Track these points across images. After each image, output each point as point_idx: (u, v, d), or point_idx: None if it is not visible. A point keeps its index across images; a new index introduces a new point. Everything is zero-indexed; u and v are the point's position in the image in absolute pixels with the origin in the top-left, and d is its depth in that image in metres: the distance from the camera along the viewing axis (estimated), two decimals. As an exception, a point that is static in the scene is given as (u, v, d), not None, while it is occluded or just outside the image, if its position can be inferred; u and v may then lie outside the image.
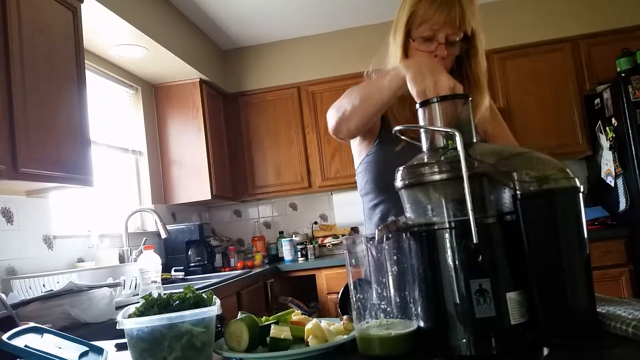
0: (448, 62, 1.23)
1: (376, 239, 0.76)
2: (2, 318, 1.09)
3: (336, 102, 1.26)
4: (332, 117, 1.25)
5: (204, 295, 0.82)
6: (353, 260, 0.77)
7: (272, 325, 0.83)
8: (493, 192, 0.71)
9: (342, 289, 0.98)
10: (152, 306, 0.79)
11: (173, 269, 3.40)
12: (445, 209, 0.71)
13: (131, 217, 3.14)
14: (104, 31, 2.93)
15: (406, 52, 1.25)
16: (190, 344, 0.75)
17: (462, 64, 1.29)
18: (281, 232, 4.41)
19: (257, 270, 3.57)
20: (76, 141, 2.24)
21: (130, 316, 0.79)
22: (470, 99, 0.80)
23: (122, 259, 2.96)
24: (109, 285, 1.85)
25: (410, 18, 1.22)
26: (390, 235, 0.76)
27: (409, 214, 0.77)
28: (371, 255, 0.76)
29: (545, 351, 0.67)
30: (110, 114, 3.42)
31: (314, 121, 4.15)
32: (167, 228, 3.16)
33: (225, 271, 3.67)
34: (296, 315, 0.91)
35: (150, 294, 0.82)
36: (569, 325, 0.69)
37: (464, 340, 0.68)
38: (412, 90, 0.98)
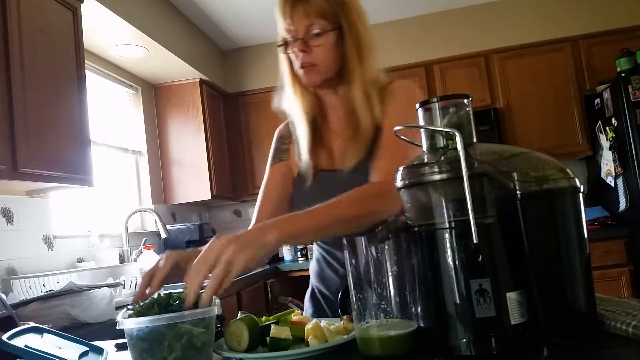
0: (318, 55, 1.14)
1: (376, 239, 0.76)
2: (2, 318, 1.09)
3: None
4: None
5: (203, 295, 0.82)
6: (353, 260, 0.77)
7: (272, 325, 0.83)
8: (493, 192, 0.71)
9: (342, 289, 0.98)
10: (152, 306, 0.79)
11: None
12: (445, 209, 0.71)
13: (131, 217, 3.14)
14: (104, 31, 2.93)
15: (290, 60, 1.20)
16: (190, 344, 0.75)
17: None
18: (281, 232, 4.40)
19: (257, 270, 3.57)
20: (76, 141, 2.24)
21: (130, 316, 0.79)
22: (470, 98, 0.79)
23: (122, 259, 2.96)
24: (109, 285, 1.85)
25: (279, 30, 1.18)
26: (390, 235, 0.76)
27: (409, 214, 0.77)
28: (371, 255, 0.76)
29: (545, 351, 0.67)
30: (110, 114, 3.42)
31: (314, 121, 4.15)
32: (167, 228, 3.16)
33: (225, 271, 3.66)
34: (296, 315, 0.91)
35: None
36: (569, 325, 0.69)
37: (464, 340, 0.68)
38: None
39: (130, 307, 0.82)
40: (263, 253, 0.85)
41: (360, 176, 1.10)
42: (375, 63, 1.21)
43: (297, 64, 1.17)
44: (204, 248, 0.84)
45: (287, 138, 1.32)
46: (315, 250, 1.33)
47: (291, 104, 1.25)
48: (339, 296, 0.94)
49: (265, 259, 0.88)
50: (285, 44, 1.17)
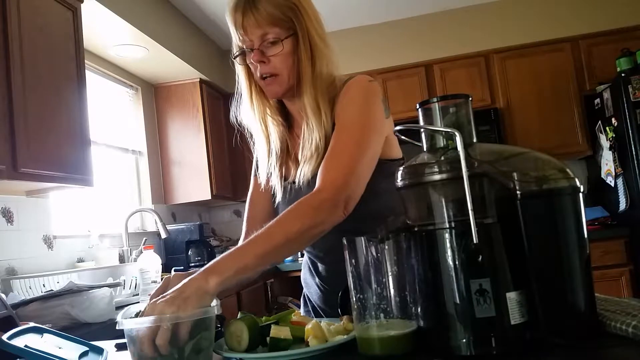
0: (277, 64, 1.09)
1: (376, 239, 0.76)
2: (2, 318, 1.09)
3: None
4: None
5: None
6: (353, 260, 0.77)
7: (272, 325, 0.83)
8: (493, 192, 0.71)
9: (342, 289, 0.98)
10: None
11: (173, 269, 3.40)
12: (445, 209, 0.71)
13: (131, 217, 3.14)
14: (104, 31, 2.93)
15: (249, 71, 1.16)
16: (189, 344, 0.75)
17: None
18: (281, 232, 4.40)
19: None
20: (76, 141, 2.24)
21: (135, 316, 0.79)
22: (470, 98, 0.80)
23: (122, 259, 2.96)
24: (109, 285, 1.85)
25: (234, 38, 1.13)
26: (390, 235, 0.76)
27: (409, 214, 0.77)
28: (371, 255, 0.76)
29: (545, 351, 0.67)
30: (110, 114, 3.42)
31: (314, 121, 4.14)
32: (167, 228, 3.16)
33: (225, 271, 3.66)
34: (296, 315, 0.91)
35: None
36: (569, 325, 0.69)
37: (464, 340, 0.68)
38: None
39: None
40: (209, 300, 0.82)
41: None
42: (330, 65, 1.14)
43: (256, 75, 1.12)
44: (151, 302, 0.80)
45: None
46: (305, 254, 1.32)
47: (249, 117, 1.21)
48: (339, 296, 0.94)
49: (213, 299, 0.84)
50: (243, 53, 1.12)
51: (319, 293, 1.24)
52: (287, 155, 1.21)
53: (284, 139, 1.20)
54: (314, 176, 1.08)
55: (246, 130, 1.25)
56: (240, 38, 1.10)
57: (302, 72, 1.10)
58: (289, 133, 1.22)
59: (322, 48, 1.12)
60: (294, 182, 1.16)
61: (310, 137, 1.11)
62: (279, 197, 1.20)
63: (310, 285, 1.28)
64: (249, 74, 1.16)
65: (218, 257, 0.90)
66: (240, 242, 1.08)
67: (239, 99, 1.23)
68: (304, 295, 1.34)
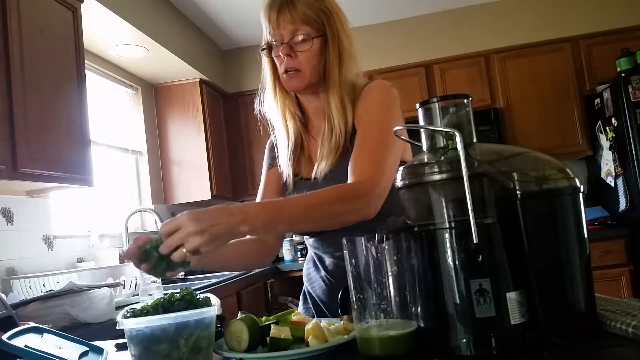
0: (302, 61, 1.15)
1: (376, 239, 0.76)
2: (2, 318, 1.09)
3: None
4: None
5: (198, 298, 0.82)
6: (353, 260, 0.77)
7: (272, 325, 0.83)
8: (493, 192, 0.71)
9: (342, 289, 0.98)
10: (156, 308, 0.79)
11: (173, 269, 3.39)
12: (445, 209, 0.71)
13: (131, 217, 3.14)
14: (104, 31, 2.93)
15: (274, 65, 1.23)
16: (189, 344, 0.75)
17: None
18: (281, 232, 4.40)
19: (257, 270, 3.57)
20: (76, 141, 2.24)
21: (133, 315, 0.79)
22: (470, 98, 0.80)
23: (122, 259, 2.96)
24: (109, 285, 1.85)
25: (264, 35, 1.21)
26: (390, 235, 0.76)
27: (409, 214, 0.77)
28: (371, 255, 0.76)
29: (545, 351, 0.67)
30: (110, 114, 3.42)
31: (314, 121, 4.14)
32: (167, 228, 3.16)
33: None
34: (296, 315, 0.91)
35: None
36: (569, 325, 0.69)
37: (464, 340, 0.68)
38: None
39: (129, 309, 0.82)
40: (229, 241, 0.88)
41: (332, 184, 1.08)
42: (355, 69, 1.21)
43: (281, 69, 1.18)
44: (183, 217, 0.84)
45: (272, 148, 1.34)
46: (309, 251, 1.34)
47: (272, 109, 1.26)
48: (339, 296, 0.94)
49: None
50: (269, 47, 1.19)
51: (323, 287, 1.25)
52: (301, 153, 1.25)
53: (299, 134, 1.25)
54: (331, 171, 1.15)
55: (268, 122, 1.30)
56: (272, 32, 1.17)
57: (330, 72, 1.16)
58: (305, 131, 1.27)
59: (350, 53, 1.19)
60: (304, 179, 1.23)
61: (331, 134, 1.17)
62: (288, 192, 1.25)
63: (314, 280, 1.29)
64: (274, 68, 1.22)
65: (254, 204, 0.96)
66: None
67: (263, 92, 1.28)
68: (304, 291, 1.35)
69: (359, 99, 1.18)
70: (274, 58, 1.19)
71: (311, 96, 1.23)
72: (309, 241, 1.29)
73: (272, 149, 1.35)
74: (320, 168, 1.17)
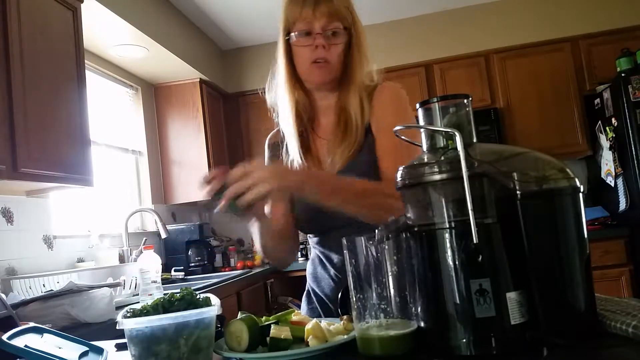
0: (333, 53, 1.18)
1: (376, 239, 0.76)
2: (2, 318, 1.09)
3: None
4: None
5: (198, 298, 0.82)
6: (353, 260, 0.77)
7: (272, 325, 0.83)
8: (493, 192, 0.71)
9: (342, 289, 0.98)
10: (156, 308, 0.79)
11: (173, 269, 3.40)
12: (445, 209, 0.71)
13: (131, 217, 3.14)
14: (104, 31, 2.93)
15: (290, 57, 1.23)
16: (189, 344, 0.75)
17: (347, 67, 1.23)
18: (281, 232, 4.40)
19: (257, 270, 3.57)
20: (76, 141, 2.24)
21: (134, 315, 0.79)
22: (470, 98, 0.80)
23: (122, 259, 2.96)
24: (109, 285, 1.85)
25: (285, 23, 1.21)
26: (390, 235, 0.76)
27: (409, 214, 0.77)
28: (371, 255, 0.76)
29: (545, 351, 0.67)
30: (110, 114, 3.42)
31: (314, 121, 4.15)
32: (167, 228, 3.16)
33: (225, 271, 3.67)
34: (296, 315, 0.91)
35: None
36: (569, 325, 0.69)
37: (464, 340, 0.68)
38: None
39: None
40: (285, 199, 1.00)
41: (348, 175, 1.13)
42: (367, 69, 1.25)
43: (309, 57, 1.19)
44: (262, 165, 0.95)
45: (277, 146, 1.33)
46: (312, 251, 1.34)
47: (283, 101, 1.26)
48: (339, 296, 0.94)
49: None
50: (303, 35, 1.18)
51: (332, 285, 1.26)
52: (309, 150, 1.26)
53: (306, 132, 1.27)
54: (346, 163, 1.19)
55: (274, 117, 1.32)
56: (306, 21, 1.18)
57: (354, 70, 1.21)
58: (311, 128, 1.28)
59: (367, 54, 1.24)
60: None
61: (346, 129, 1.20)
62: None
63: (321, 279, 1.29)
64: (290, 59, 1.23)
65: (315, 175, 1.10)
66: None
67: (271, 81, 1.29)
68: (308, 292, 1.35)
69: (373, 98, 1.22)
70: (301, 47, 1.20)
71: (327, 92, 1.25)
72: (313, 240, 1.30)
73: (274, 146, 1.34)
74: (333, 163, 1.20)
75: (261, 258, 1.28)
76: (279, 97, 1.27)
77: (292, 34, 1.19)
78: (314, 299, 1.32)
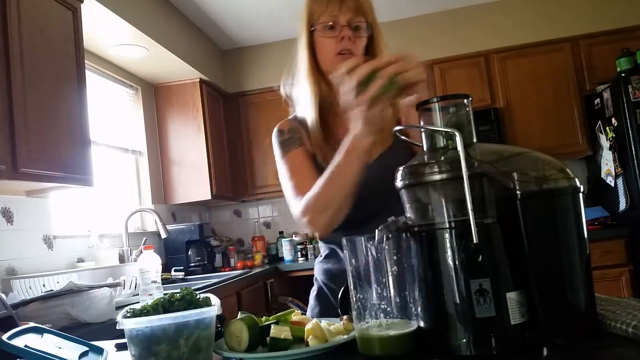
0: (359, 46, 1.22)
1: (376, 239, 0.76)
2: (2, 318, 1.09)
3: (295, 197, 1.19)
4: (301, 211, 1.15)
5: (198, 298, 0.82)
6: (353, 260, 0.77)
7: (272, 325, 0.83)
8: (493, 192, 0.71)
9: (342, 289, 0.98)
10: (156, 308, 0.79)
11: (173, 269, 3.40)
12: (445, 209, 0.71)
13: (131, 217, 3.14)
14: (104, 31, 2.93)
15: (313, 49, 1.25)
16: (189, 344, 0.75)
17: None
18: (281, 232, 4.41)
19: (257, 270, 3.57)
20: (76, 141, 2.24)
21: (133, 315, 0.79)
22: (470, 98, 0.80)
23: (122, 259, 2.96)
24: (109, 285, 1.85)
25: (309, 17, 1.24)
26: (390, 235, 0.76)
27: (409, 214, 0.77)
28: (371, 255, 0.76)
29: (545, 351, 0.67)
30: (110, 114, 3.42)
31: (314, 121, 4.14)
32: (167, 228, 3.16)
33: (225, 271, 3.67)
34: (296, 315, 0.91)
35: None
36: (569, 325, 0.69)
37: (464, 340, 0.68)
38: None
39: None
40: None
41: (385, 166, 1.07)
42: None
43: (335, 49, 1.21)
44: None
45: (297, 128, 1.29)
46: (324, 247, 1.32)
47: (305, 93, 1.27)
48: (339, 296, 0.94)
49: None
50: (328, 27, 1.21)
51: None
52: (327, 144, 1.24)
53: (328, 121, 1.27)
54: (383, 153, 1.21)
55: (292, 106, 1.34)
56: (330, 14, 1.20)
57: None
58: (332, 117, 1.28)
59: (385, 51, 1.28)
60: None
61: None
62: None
63: (337, 275, 1.26)
64: (313, 52, 1.25)
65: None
66: (298, 200, 1.16)
67: (288, 75, 1.31)
68: (319, 291, 1.32)
69: None
70: (326, 39, 1.22)
71: None
72: (333, 234, 1.23)
73: (292, 132, 1.30)
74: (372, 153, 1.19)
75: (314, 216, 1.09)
76: (301, 89, 1.28)
77: (317, 26, 1.22)
78: (329, 295, 1.29)
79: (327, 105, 1.25)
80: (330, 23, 1.20)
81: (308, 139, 1.26)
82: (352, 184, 1.04)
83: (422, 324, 0.73)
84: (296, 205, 1.18)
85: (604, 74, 3.69)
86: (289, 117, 1.34)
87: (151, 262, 1.84)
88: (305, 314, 0.93)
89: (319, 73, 1.25)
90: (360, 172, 1.03)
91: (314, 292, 1.36)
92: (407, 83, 0.91)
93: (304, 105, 1.27)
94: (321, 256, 1.37)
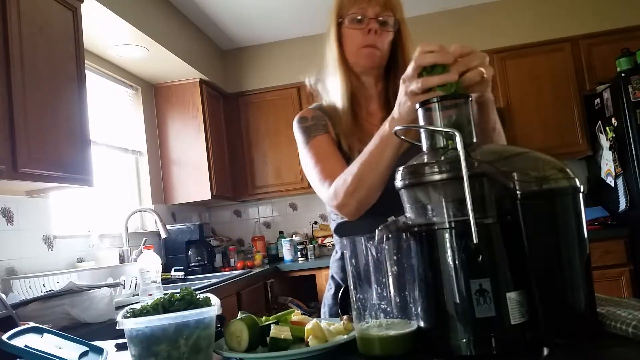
0: (384, 40, 1.24)
1: (376, 239, 0.76)
2: (2, 318, 1.09)
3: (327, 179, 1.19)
4: (331, 195, 1.15)
5: (198, 298, 0.82)
6: (353, 260, 0.77)
7: (272, 325, 0.83)
8: (493, 192, 0.71)
9: (342, 289, 0.98)
10: (156, 308, 0.79)
11: (173, 269, 3.40)
12: (445, 209, 0.71)
13: (131, 217, 3.14)
14: (104, 31, 2.93)
15: (340, 41, 1.28)
16: (189, 344, 0.75)
17: (393, 57, 1.30)
18: (281, 232, 4.41)
19: (257, 270, 3.57)
20: (76, 141, 2.24)
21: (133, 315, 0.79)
22: (471, 99, 0.80)
23: (122, 259, 2.96)
24: (109, 285, 1.85)
25: (339, 10, 1.27)
26: (390, 235, 0.76)
27: (409, 214, 0.77)
28: (371, 255, 0.76)
29: (545, 351, 0.67)
30: (110, 114, 3.42)
31: (314, 121, 4.14)
32: (167, 228, 3.16)
33: (225, 271, 3.67)
34: (296, 315, 0.91)
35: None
36: (569, 325, 0.69)
37: (464, 340, 0.68)
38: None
39: None
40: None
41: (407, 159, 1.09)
42: None
43: (360, 41, 1.24)
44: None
45: (321, 116, 1.31)
46: (339, 244, 1.31)
47: (334, 84, 1.30)
48: (339, 296, 0.94)
49: None
50: (355, 20, 1.23)
51: None
52: (354, 135, 1.26)
53: (355, 112, 1.30)
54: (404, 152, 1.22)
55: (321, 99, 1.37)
56: (359, 7, 1.23)
57: (405, 58, 1.27)
58: (360, 108, 1.31)
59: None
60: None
61: None
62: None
63: None
64: (341, 46, 1.28)
65: None
66: (327, 185, 1.17)
67: (318, 65, 1.35)
68: (337, 289, 1.31)
69: None
70: (352, 31, 1.25)
71: (374, 79, 1.30)
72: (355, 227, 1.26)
73: (315, 119, 1.31)
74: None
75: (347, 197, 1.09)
76: (331, 79, 1.31)
77: (345, 18, 1.25)
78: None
79: (353, 96, 1.29)
80: (359, 16, 1.23)
81: (333, 127, 1.29)
82: (384, 170, 1.03)
83: (422, 324, 0.73)
84: (325, 189, 1.18)
85: (604, 74, 3.69)
86: (311, 106, 1.37)
87: (151, 262, 1.84)
88: (305, 314, 0.93)
89: (346, 64, 1.28)
90: (393, 160, 1.01)
91: (330, 290, 1.34)
92: (470, 83, 0.88)
93: (334, 94, 1.31)
94: (337, 252, 1.36)
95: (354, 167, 1.08)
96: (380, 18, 1.23)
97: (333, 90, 1.31)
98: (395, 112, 0.96)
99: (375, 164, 1.03)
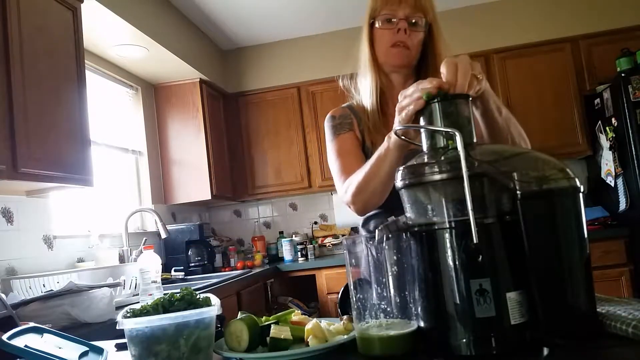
0: (414, 40, 1.28)
1: (376, 239, 0.76)
2: (2, 318, 1.09)
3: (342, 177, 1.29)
4: (343, 191, 1.26)
5: (198, 298, 0.82)
6: (353, 260, 0.77)
7: (272, 325, 0.83)
8: (493, 192, 0.71)
9: (342, 289, 0.98)
10: (156, 308, 0.79)
11: (173, 269, 3.40)
12: (445, 209, 0.71)
13: (131, 217, 3.14)
14: (104, 31, 2.93)
15: (372, 41, 1.33)
16: (189, 344, 0.75)
17: (424, 58, 1.34)
18: (281, 232, 4.41)
19: (257, 270, 3.57)
20: (76, 141, 2.24)
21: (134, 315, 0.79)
22: (471, 99, 0.80)
23: (122, 259, 2.96)
24: (109, 285, 1.85)
25: (371, 11, 1.31)
26: (390, 235, 0.76)
27: (409, 214, 0.77)
28: (371, 255, 0.76)
29: (545, 351, 0.67)
30: (110, 114, 3.42)
31: (314, 121, 4.15)
32: (167, 228, 3.16)
33: (225, 271, 3.67)
34: (296, 315, 0.91)
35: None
36: (569, 325, 0.69)
37: (464, 340, 0.68)
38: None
39: None
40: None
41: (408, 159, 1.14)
42: None
43: (390, 40, 1.28)
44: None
45: (348, 115, 1.39)
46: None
47: (365, 83, 1.36)
48: (339, 296, 0.94)
49: None
50: (386, 20, 1.27)
51: None
52: (379, 132, 1.30)
53: (384, 111, 1.34)
54: None
55: (351, 95, 1.43)
56: (390, 8, 1.27)
57: (436, 58, 1.31)
58: (388, 107, 1.34)
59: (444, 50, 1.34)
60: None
61: None
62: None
63: None
64: (372, 45, 1.33)
65: None
66: (343, 181, 1.26)
67: (357, 65, 1.39)
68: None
69: None
70: (383, 31, 1.29)
71: (403, 78, 1.34)
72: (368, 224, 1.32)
73: (343, 117, 1.39)
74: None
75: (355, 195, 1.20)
76: (360, 80, 1.36)
77: (377, 19, 1.29)
78: None
79: (382, 95, 1.33)
80: (389, 17, 1.27)
81: (358, 125, 1.36)
82: (385, 178, 1.10)
83: (422, 324, 0.73)
84: (340, 183, 1.29)
85: (604, 74, 3.69)
86: (343, 105, 1.43)
87: (151, 262, 1.84)
88: (305, 314, 0.93)
89: (377, 64, 1.32)
90: (393, 170, 1.04)
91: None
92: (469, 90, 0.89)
93: (364, 93, 1.36)
94: None
95: (359, 174, 1.17)
96: (411, 19, 1.27)
97: (363, 89, 1.36)
98: (392, 133, 1.03)
99: (374, 175, 1.13)
